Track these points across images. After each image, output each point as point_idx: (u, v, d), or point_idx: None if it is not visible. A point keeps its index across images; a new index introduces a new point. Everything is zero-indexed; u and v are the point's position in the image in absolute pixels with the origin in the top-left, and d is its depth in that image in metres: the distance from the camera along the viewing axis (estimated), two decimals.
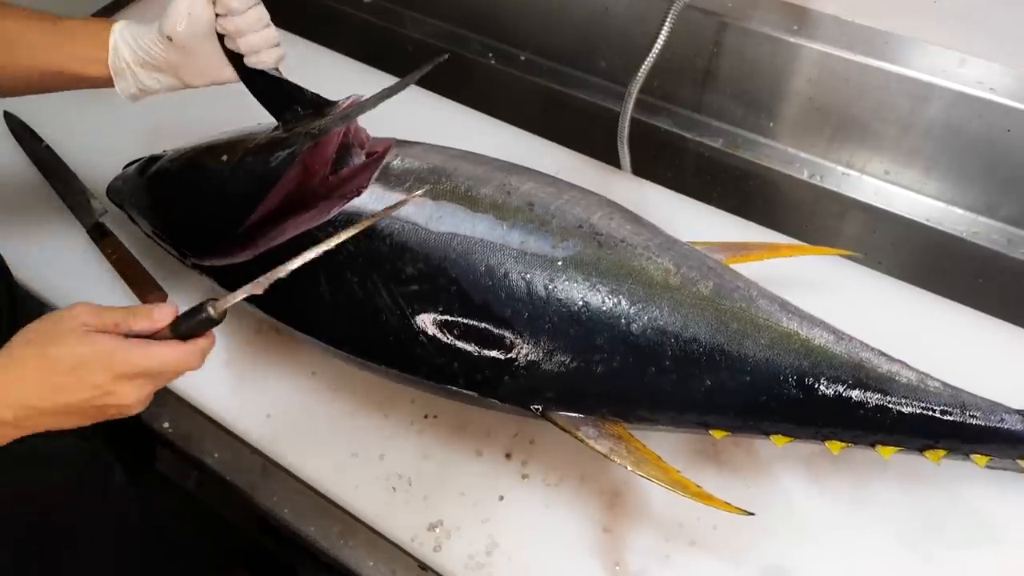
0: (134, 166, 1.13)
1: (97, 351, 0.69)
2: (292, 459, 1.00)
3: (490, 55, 1.63)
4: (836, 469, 0.95)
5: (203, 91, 1.09)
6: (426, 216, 0.93)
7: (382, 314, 0.90)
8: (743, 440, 0.97)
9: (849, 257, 1.12)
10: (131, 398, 0.71)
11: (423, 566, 0.94)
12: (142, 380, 0.71)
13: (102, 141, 1.34)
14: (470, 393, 0.89)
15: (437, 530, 0.92)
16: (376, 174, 0.97)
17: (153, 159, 1.12)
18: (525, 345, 0.87)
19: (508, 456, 0.98)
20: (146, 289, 1.13)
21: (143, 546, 1.07)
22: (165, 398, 1.08)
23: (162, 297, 1.12)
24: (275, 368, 1.06)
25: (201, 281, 1.12)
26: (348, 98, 1.02)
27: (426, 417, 1.01)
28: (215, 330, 0.79)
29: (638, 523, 0.92)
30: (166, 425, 1.12)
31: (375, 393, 1.03)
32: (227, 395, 1.04)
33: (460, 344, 0.88)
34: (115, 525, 1.11)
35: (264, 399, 1.04)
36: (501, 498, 0.95)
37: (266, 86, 1.00)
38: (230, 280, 1.02)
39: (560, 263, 0.89)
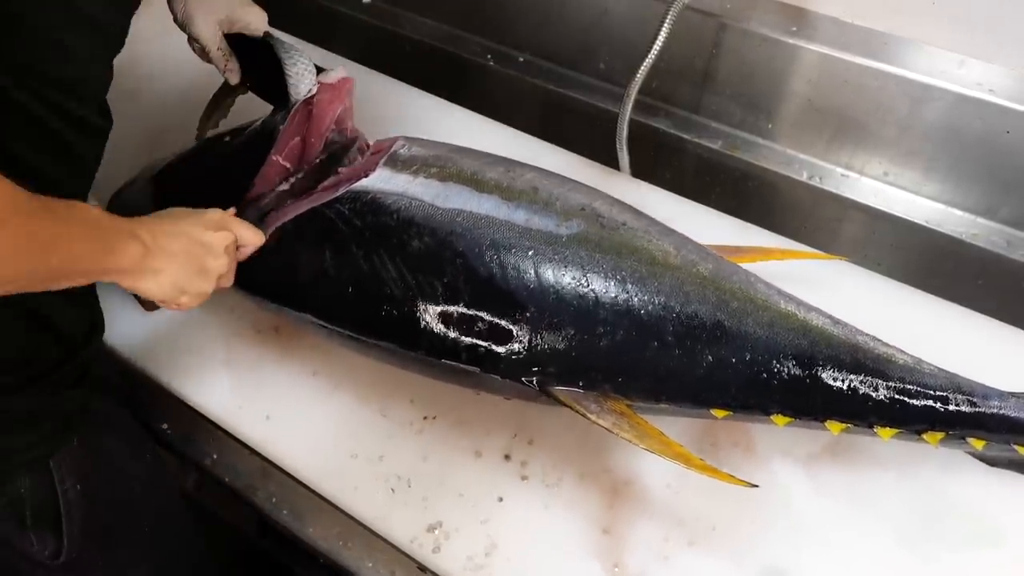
0: (129, 184, 1.14)
1: (215, 213, 0.91)
2: (291, 460, 0.99)
3: (489, 56, 1.63)
4: (835, 469, 0.95)
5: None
6: (433, 194, 0.94)
7: (387, 287, 0.91)
8: (742, 440, 0.97)
9: (849, 259, 1.12)
10: (221, 249, 0.89)
11: (422, 567, 0.94)
12: (231, 245, 0.91)
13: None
14: (472, 368, 0.90)
15: (436, 531, 0.92)
16: (384, 159, 0.99)
17: (149, 167, 1.13)
18: (528, 320, 0.87)
19: (507, 457, 0.98)
20: None
21: (158, 539, 1.06)
22: (165, 398, 1.07)
23: None
24: (275, 368, 1.06)
25: None
26: (339, 67, 1.07)
27: (425, 418, 1.01)
28: None
29: (637, 524, 0.92)
30: (165, 426, 1.12)
31: (375, 394, 1.03)
32: (227, 395, 1.04)
33: (463, 318, 0.88)
34: None
35: (264, 399, 1.03)
36: (500, 499, 0.94)
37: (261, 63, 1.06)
38: (236, 272, 1.02)
39: (564, 240, 0.90)
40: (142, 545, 1.04)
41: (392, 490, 0.96)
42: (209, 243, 0.87)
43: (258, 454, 1.02)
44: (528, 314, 0.87)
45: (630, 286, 0.88)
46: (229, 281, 0.93)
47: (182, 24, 1.04)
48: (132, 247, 0.78)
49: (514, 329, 0.87)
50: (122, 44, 0.86)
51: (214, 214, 0.90)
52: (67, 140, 0.80)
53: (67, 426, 0.87)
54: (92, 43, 0.81)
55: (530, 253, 0.89)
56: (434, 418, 1.01)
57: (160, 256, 0.81)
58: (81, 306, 0.88)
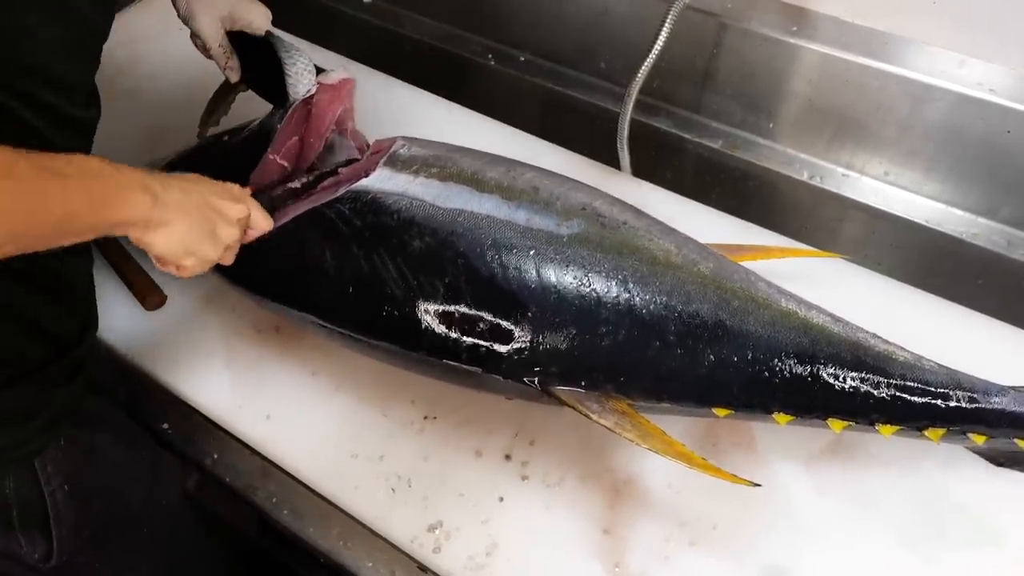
0: None
1: (235, 186, 0.91)
2: (292, 460, 0.99)
3: (489, 56, 1.63)
4: (836, 469, 0.95)
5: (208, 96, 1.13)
6: (434, 194, 0.94)
7: (387, 287, 0.90)
8: (744, 440, 0.97)
9: (847, 258, 1.12)
10: (234, 219, 0.87)
11: (423, 567, 0.94)
12: (244, 219, 0.89)
13: (104, 143, 1.34)
14: (473, 369, 0.89)
15: (437, 531, 0.92)
16: (384, 159, 0.99)
17: (149, 166, 1.13)
18: (529, 320, 0.87)
19: (508, 457, 0.98)
20: (145, 289, 1.12)
21: (158, 540, 1.06)
22: (165, 398, 1.07)
23: (161, 297, 1.12)
24: (275, 368, 1.06)
25: (199, 282, 1.12)
26: (340, 67, 1.08)
27: (426, 418, 1.01)
28: None
29: (638, 524, 0.92)
30: (166, 426, 1.12)
31: (375, 394, 1.03)
32: (227, 395, 1.04)
33: (464, 319, 0.88)
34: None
35: (264, 399, 1.03)
36: (501, 499, 0.94)
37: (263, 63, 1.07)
38: (233, 271, 1.02)
39: (565, 240, 0.90)
40: (141, 547, 1.04)
41: (392, 490, 0.96)
42: (223, 210, 0.86)
43: (258, 454, 1.02)
44: (529, 314, 0.87)
45: (631, 286, 0.88)
46: (231, 257, 0.91)
47: (184, 19, 1.04)
48: (140, 197, 0.76)
49: (515, 329, 0.87)
50: (106, 36, 0.84)
51: (233, 187, 0.90)
52: (48, 137, 0.78)
53: (55, 424, 0.86)
54: (78, 35, 0.79)
55: (531, 253, 0.89)
56: (435, 418, 1.01)
57: (171, 209, 0.79)
58: (73, 305, 0.88)
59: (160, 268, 0.86)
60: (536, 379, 0.88)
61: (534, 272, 0.88)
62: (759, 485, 0.84)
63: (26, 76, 0.75)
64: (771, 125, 1.41)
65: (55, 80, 0.78)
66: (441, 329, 0.89)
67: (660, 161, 1.49)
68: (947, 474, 0.94)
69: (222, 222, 0.86)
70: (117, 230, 0.76)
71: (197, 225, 0.83)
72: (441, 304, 0.89)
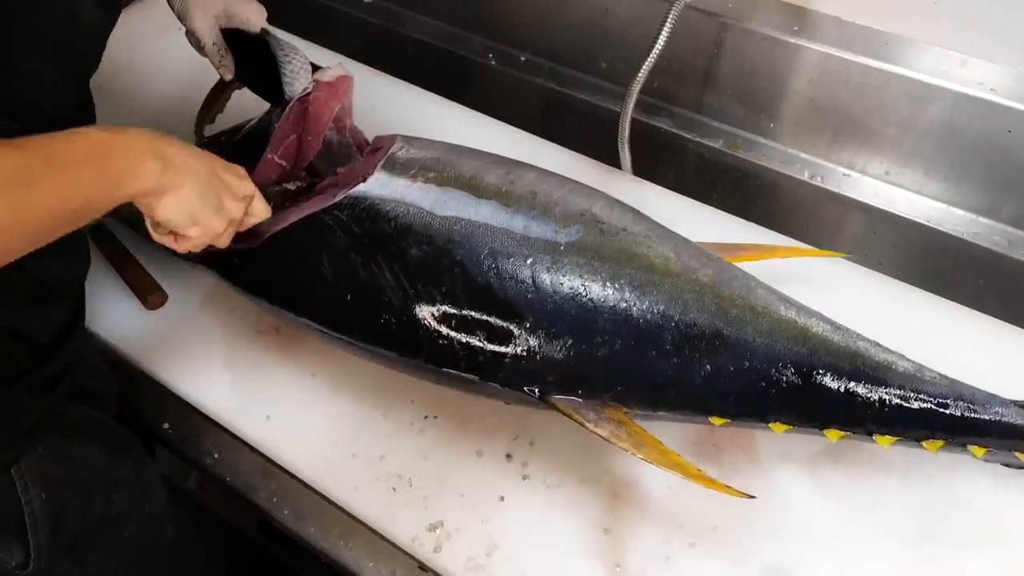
0: None
1: (241, 167, 0.89)
2: (292, 460, 0.99)
3: (490, 56, 1.63)
4: (837, 471, 0.95)
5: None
6: (431, 201, 0.94)
7: (385, 295, 0.90)
8: (744, 442, 0.97)
9: (849, 257, 1.12)
10: (240, 194, 0.86)
11: (423, 567, 0.94)
12: (248, 197, 0.88)
13: None
14: (471, 377, 0.89)
15: (437, 531, 0.92)
16: (382, 162, 0.98)
17: None
18: (526, 328, 0.87)
19: (508, 457, 0.98)
20: (146, 289, 1.12)
21: (140, 547, 1.06)
22: (165, 398, 1.07)
23: (162, 297, 1.12)
24: (275, 368, 1.06)
25: (200, 282, 1.12)
26: (337, 65, 1.07)
27: (426, 418, 1.01)
28: None
29: (638, 524, 0.92)
30: (166, 425, 1.12)
31: (375, 394, 1.03)
32: (227, 395, 1.04)
33: (461, 327, 0.88)
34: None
35: (264, 399, 1.03)
36: (501, 499, 0.94)
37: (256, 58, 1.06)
38: (233, 272, 1.02)
39: (562, 248, 0.90)
40: (124, 553, 1.03)
41: (393, 489, 0.96)
42: (231, 183, 0.85)
43: (259, 453, 1.02)
44: (526, 323, 0.87)
45: (629, 294, 0.88)
46: (228, 239, 0.88)
47: (180, 16, 1.04)
48: (151, 165, 0.74)
49: (512, 338, 0.87)
50: (96, 66, 0.83)
51: (240, 167, 0.89)
52: None
53: (33, 433, 0.85)
54: (66, 68, 0.79)
55: (528, 261, 0.89)
56: (435, 418, 1.01)
57: (181, 173, 0.77)
58: (58, 311, 0.86)
59: (157, 238, 0.84)
60: (534, 388, 0.88)
61: (531, 281, 0.88)
62: (753, 497, 0.84)
63: (16, 118, 0.73)
64: (772, 125, 1.41)
65: (47, 116, 0.77)
66: (438, 337, 0.88)
67: (661, 161, 1.49)
68: (949, 475, 0.94)
69: (228, 195, 0.84)
70: (128, 200, 0.75)
71: (205, 193, 0.81)
72: (438, 312, 0.88)
